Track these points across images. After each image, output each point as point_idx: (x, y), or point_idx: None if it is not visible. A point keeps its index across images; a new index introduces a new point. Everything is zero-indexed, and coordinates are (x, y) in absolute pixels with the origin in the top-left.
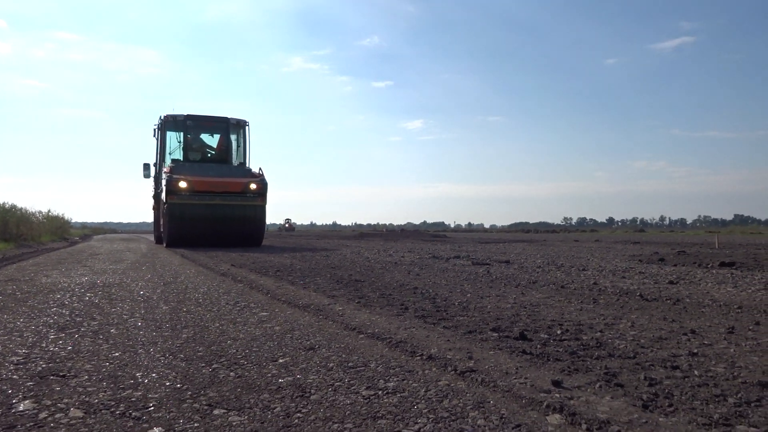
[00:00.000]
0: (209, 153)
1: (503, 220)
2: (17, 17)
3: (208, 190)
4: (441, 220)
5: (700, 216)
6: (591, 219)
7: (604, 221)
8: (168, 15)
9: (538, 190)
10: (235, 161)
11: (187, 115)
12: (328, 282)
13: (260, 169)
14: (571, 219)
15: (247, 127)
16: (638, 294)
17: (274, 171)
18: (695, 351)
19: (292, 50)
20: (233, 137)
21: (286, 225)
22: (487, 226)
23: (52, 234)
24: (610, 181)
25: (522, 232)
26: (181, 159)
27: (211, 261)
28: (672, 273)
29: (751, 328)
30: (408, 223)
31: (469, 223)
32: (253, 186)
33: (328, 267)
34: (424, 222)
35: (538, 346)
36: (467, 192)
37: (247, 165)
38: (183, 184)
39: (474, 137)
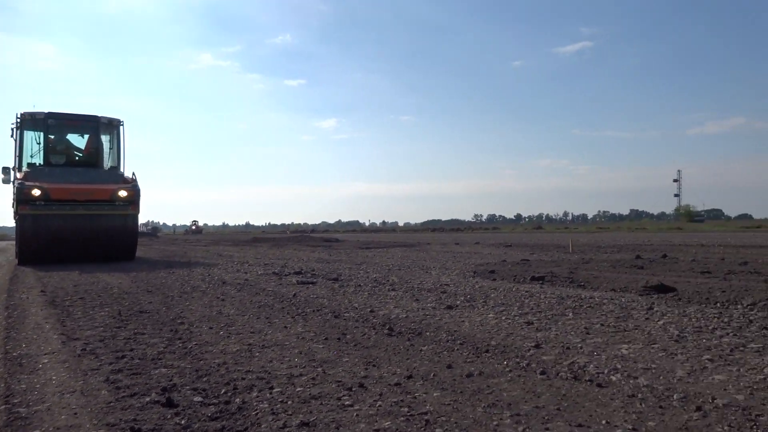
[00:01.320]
0: (77, 156)
1: (417, 217)
2: None
3: (69, 198)
4: (356, 219)
5: (599, 211)
6: (500, 215)
7: (512, 217)
8: (65, 6)
9: (449, 188)
10: (107, 165)
11: (48, 113)
12: (105, 316)
13: (133, 174)
14: (481, 216)
15: (121, 127)
16: (392, 326)
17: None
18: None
19: (201, 47)
20: (105, 138)
21: (193, 227)
22: (401, 224)
23: None
24: (517, 178)
25: (429, 231)
26: (42, 162)
27: (16, 285)
28: (472, 291)
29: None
30: (323, 222)
31: (384, 222)
32: (122, 193)
33: (150, 290)
34: (339, 221)
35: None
36: (381, 190)
37: (121, 169)
38: (36, 192)
39: (387, 136)
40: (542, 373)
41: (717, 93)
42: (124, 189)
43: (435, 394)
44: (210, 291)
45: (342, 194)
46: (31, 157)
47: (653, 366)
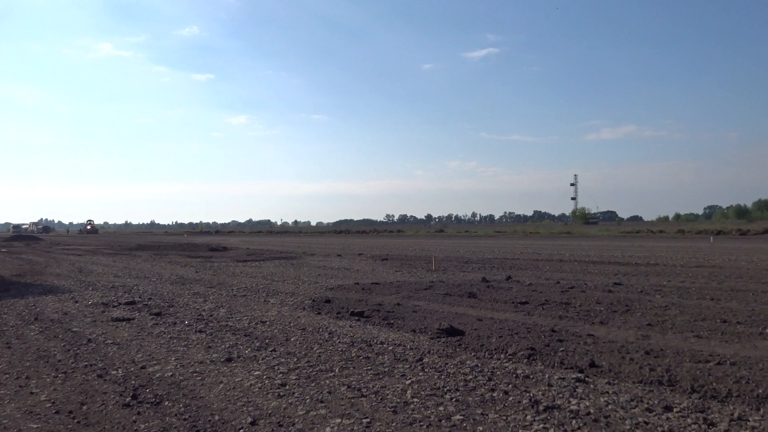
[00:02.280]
0: None
1: (329, 217)
2: None
3: None
4: (267, 218)
5: (505, 212)
6: (411, 216)
7: (423, 218)
8: None
9: (362, 188)
10: None
11: None
12: None
13: None
14: (393, 216)
15: None
16: (141, 392)
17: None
18: None
19: (101, 35)
20: None
21: (88, 227)
22: (314, 223)
23: None
24: (428, 179)
25: (333, 233)
26: None
27: None
28: (280, 332)
29: None
30: (233, 221)
31: (296, 221)
32: None
33: None
34: (250, 220)
35: None
36: (294, 189)
37: None
38: None
39: (299, 135)
40: None
41: (611, 102)
42: None
43: None
44: (10, 332)
45: (253, 192)
46: None
47: None
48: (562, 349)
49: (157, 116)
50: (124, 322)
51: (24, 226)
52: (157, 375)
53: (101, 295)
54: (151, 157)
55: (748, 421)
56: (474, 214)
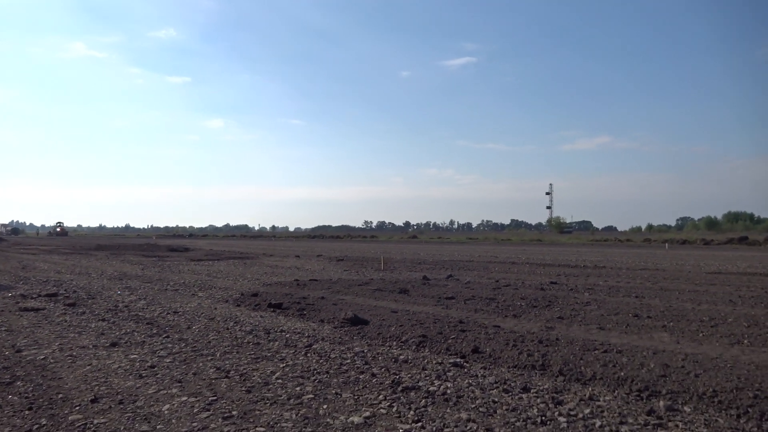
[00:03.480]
0: None
1: (308, 222)
2: None
3: None
4: (245, 223)
5: (483, 221)
6: (390, 222)
7: (401, 224)
8: None
9: (340, 194)
10: None
11: None
12: None
13: None
14: (371, 222)
15: None
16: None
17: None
18: None
19: (72, 35)
20: None
21: (57, 229)
22: (292, 228)
23: None
24: (406, 186)
25: (307, 238)
26: None
27: None
28: (186, 320)
29: None
30: (210, 225)
31: (273, 226)
32: None
33: None
34: (227, 225)
35: None
36: (272, 194)
37: None
38: None
39: (277, 139)
40: None
41: (586, 113)
42: None
43: None
44: None
45: (231, 197)
46: None
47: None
48: (453, 337)
49: (133, 118)
50: (32, 312)
51: None
52: (29, 359)
53: (28, 288)
54: (126, 159)
55: (598, 400)
56: (452, 222)
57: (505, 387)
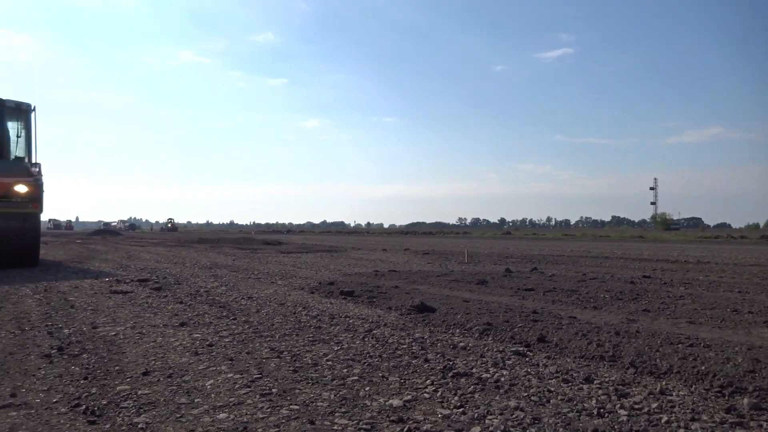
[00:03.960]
0: None
1: (402, 219)
2: None
3: None
4: (341, 220)
5: (582, 217)
6: (484, 219)
7: (497, 221)
8: None
9: (434, 191)
10: (13, 155)
11: None
12: None
13: (38, 166)
14: (465, 219)
15: (32, 113)
16: (83, 346)
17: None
18: None
19: (181, 43)
20: (12, 125)
21: (169, 225)
22: (386, 225)
23: None
24: (501, 182)
25: (400, 234)
26: None
27: None
28: (244, 305)
29: None
30: (308, 222)
31: (368, 223)
32: (20, 188)
33: None
34: (324, 221)
35: None
36: (367, 192)
37: (34, 159)
38: None
39: (371, 137)
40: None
41: (695, 102)
42: (23, 183)
43: None
44: (12, 298)
45: (327, 194)
46: None
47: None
48: (520, 325)
49: (234, 120)
50: (120, 295)
51: (113, 224)
52: (102, 334)
53: (125, 274)
54: (228, 159)
55: (670, 395)
56: (549, 219)
57: (565, 377)
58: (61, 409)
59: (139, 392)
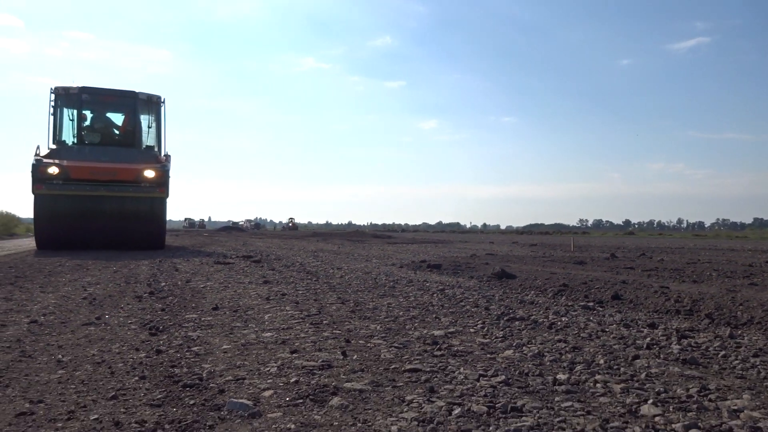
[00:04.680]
0: (115, 135)
1: (519, 221)
2: (33, 17)
3: (90, 178)
4: (456, 221)
5: (718, 219)
6: (607, 221)
7: (621, 223)
8: (179, 15)
9: (552, 192)
10: (145, 144)
11: (82, 87)
12: None
13: (166, 154)
14: (586, 221)
15: (162, 105)
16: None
17: (289, 169)
18: None
19: (304, 50)
20: (144, 116)
21: (290, 224)
22: (503, 227)
23: None
24: (625, 182)
25: (515, 233)
26: (75, 142)
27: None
28: (345, 276)
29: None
30: (423, 222)
31: (485, 224)
32: (149, 174)
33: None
34: (440, 222)
35: None
36: (482, 193)
37: (163, 150)
38: (53, 170)
39: (488, 137)
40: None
41: None
42: (151, 169)
43: None
44: (132, 265)
45: (443, 195)
46: (74, 137)
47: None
48: (597, 287)
49: (352, 123)
50: (222, 265)
51: (240, 223)
52: (192, 286)
53: (234, 254)
54: (346, 161)
55: (741, 339)
56: (680, 221)
57: (627, 323)
58: (132, 327)
59: (203, 319)
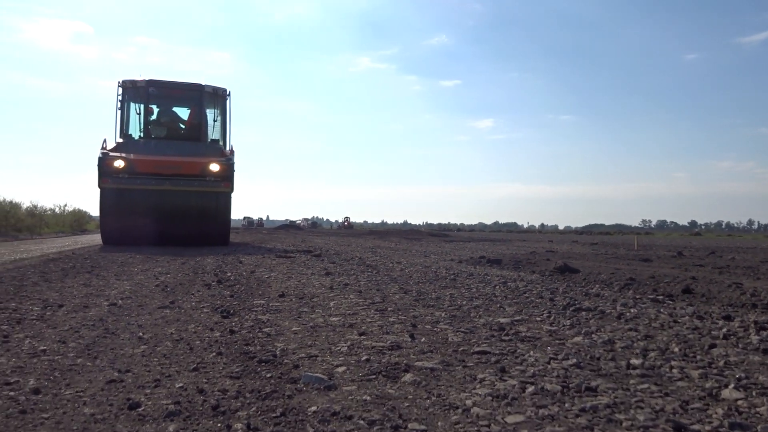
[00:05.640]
0: (181, 129)
1: (578, 221)
2: (102, 24)
3: (155, 171)
4: (514, 221)
5: None
6: (671, 221)
7: (686, 224)
8: (238, 18)
9: (613, 191)
10: (210, 138)
11: (149, 80)
12: None
13: (231, 148)
14: (650, 221)
15: (227, 98)
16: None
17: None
18: None
19: (360, 50)
20: (209, 110)
21: (345, 223)
22: (561, 227)
23: (68, 226)
24: (691, 182)
25: (575, 233)
26: (142, 135)
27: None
28: (411, 271)
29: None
30: (479, 223)
31: (543, 224)
32: (213, 167)
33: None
34: (496, 222)
35: None
36: (540, 192)
37: (228, 144)
38: (119, 164)
39: (546, 136)
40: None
41: None
42: (216, 162)
43: None
44: (194, 260)
45: (499, 195)
46: (140, 131)
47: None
48: (666, 281)
49: (407, 122)
50: (284, 258)
51: (297, 222)
52: (256, 276)
53: (295, 248)
54: (401, 160)
55: None
56: (750, 222)
57: (701, 316)
58: (205, 310)
59: (271, 305)
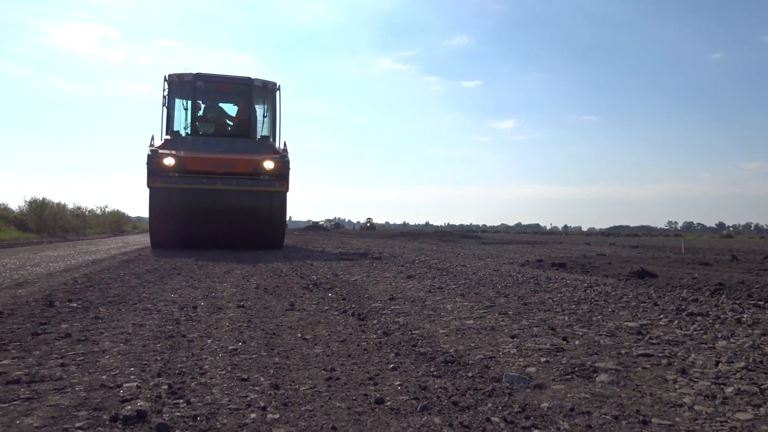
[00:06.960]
0: (228, 125)
1: (602, 222)
2: (128, 27)
3: (206, 170)
4: (536, 222)
5: None
6: (698, 223)
7: (713, 226)
8: (261, 20)
9: (638, 192)
10: (260, 134)
11: (197, 74)
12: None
13: (284, 144)
14: (675, 223)
15: (277, 92)
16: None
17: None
18: None
19: (381, 51)
20: (258, 105)
21: (368, 224)
22: (585, 228)
23: (108, 227)
24: (718, 183)
25: (601, 235)
26: (189, 132)
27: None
28: (486, 275)
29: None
30: (502, 224)
31: (566, 226)
32: (268, 165)
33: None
34: (519, 224)
35: None
36: (563, 193)
37: (278, 140)
38: (169, 162)
39: (568, 137)
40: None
41: None
42: (270, 160)
43: None
44: (264, 261)
45: (521, 196)
46: (185, 128)
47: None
48: (757, 286)
49: (428, 123)
50: (347, 261)
51: (320, 223)
52: (343, 279)
53: (345, 251)
54: (423, 161)
55: None
56: None
57: None
58: (333, 312)
59: (392, 308)
